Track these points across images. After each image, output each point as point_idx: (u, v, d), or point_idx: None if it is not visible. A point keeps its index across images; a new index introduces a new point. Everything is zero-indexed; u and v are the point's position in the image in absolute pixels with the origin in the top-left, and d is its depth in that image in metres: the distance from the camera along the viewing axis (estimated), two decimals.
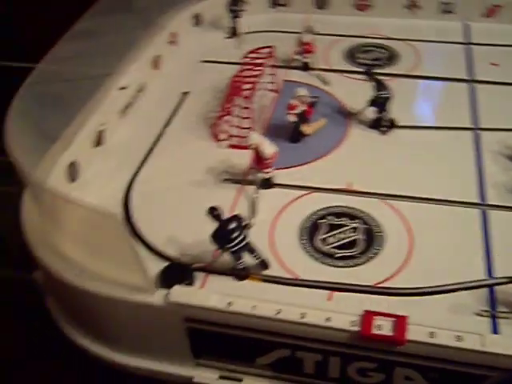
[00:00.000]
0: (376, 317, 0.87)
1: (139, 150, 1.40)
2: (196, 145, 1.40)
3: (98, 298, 0.96)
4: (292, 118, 1.33)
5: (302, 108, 1.35)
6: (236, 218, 1.01)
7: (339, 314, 0.89)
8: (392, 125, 1.39)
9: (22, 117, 1.09)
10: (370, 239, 1.12)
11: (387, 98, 1.36)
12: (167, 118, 1.51)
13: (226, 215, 1.01)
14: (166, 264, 1.05)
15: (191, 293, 0.92)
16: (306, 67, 1.65)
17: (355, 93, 1.53)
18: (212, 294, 0.90)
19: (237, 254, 1.01)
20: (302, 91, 1.31)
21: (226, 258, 1.03)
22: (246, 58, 1.48)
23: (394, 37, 1.81)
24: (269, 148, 1.18)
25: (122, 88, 1.51)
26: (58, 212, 1.00)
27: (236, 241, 0.99)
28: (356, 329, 0.87)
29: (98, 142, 1.38)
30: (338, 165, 1.32)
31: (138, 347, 1.04)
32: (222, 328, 0.93)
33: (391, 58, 1.72)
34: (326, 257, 1.09)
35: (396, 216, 1.17)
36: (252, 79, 1.38)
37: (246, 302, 0.89)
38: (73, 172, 1.26)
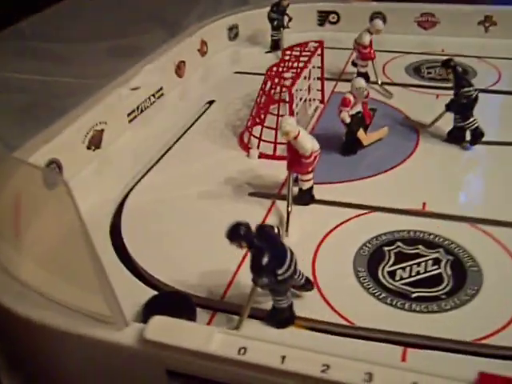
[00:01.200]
0: None
1: (145, 157, 1.09)
2: (217, 154, 1.09)
3: (45, 333, 0.61)
4: (345, 117, 1.01)
5: (358, 108, 1.02)
6: (272, 234, 0.68)
7: (425, 375, 0.51)
8: (481, 135, 1.04)
9: None
10: (462, 275, 0.75)
11: (473, 99, 1.02)
12: (185, 125, 1.21)
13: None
14: (154, 293, 0.71)
15: (182, 328, 0.56)
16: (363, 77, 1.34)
17: (422, 106, 1.23)
18: (216, 333, 0.54)
19: (282, 287, 0.67)
20: (360, 82, 0.99)
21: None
22: (286, 53, 1.17)
23: (465, 54, 1.50)
24: (309, 141, 0.85)
25: (134, 89, 1.23)
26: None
27: (282, 268, 0.65)
28: None
29: (95, 143, 1.08)
30: (406, 181, 0.98)
31: None
32: None
33: (465, 73, 1.40)
34: (397, 296, 0.73)
35: (494, 244, 0.81)
36: (290, 78, 1.07)
37: (271, 350, 0.53)
38: (50, 174, 0.95)
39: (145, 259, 0.82)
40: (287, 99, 1.02)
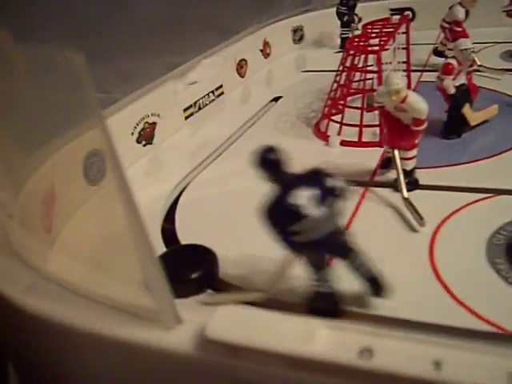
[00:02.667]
0: None
1: (202, 154, 0.93)
2: (290, 144, 0.89)
3: (68, 333, 0.43)
4: (449, 86, 0.81)
5: (462, 80, 0.83)
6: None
7: None
8: None
9: None
10: None
11: None
12: (249, 122, 1.04)
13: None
14: None
15: (262, 321, 0.36)
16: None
17: None
18: (319, 327, 0.35)
19: (318, 260, 0.48)
20: (465, 42, 0.80)
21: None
22: (367, 28, 1.00)
23: None
24: (421, 100, 0.66)
25: (192, 83, 1.08)
26: None
27: (296, 227, 0.45)
28: None
29: (146, 137, 0.92)
30: None
31: None
32: None
33: None
34: None
35: None
36: (377, 46, 0.88)
37: (413, 351, 0.32)
38: (89, 166, 0.79)
39: None
40: (374, 70, 0.84)
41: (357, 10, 1.47)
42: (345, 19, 1.39)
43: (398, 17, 1.00)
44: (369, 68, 0.88)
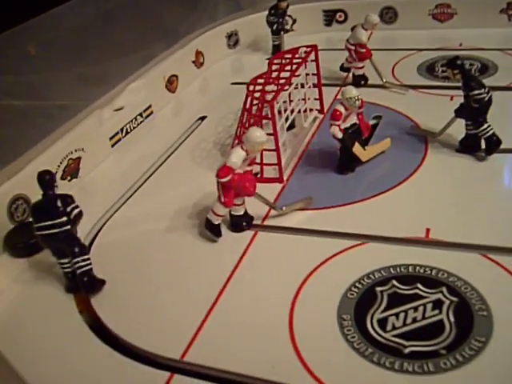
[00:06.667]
0: None
1: (125, 185, 1.00)
2: (199, 179, 0.98)
3: None
4: (336, 132, 0.89)
5: (353, 120, 0.91)
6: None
7: None
8: (497, 144, 0.91)
9: None
10: (467, 322, 0.63)
11: (486, 102, 0.89)
12: (173, 146, 1.12)
13: None
14: None
15: None
16: (360, 80, 1.22)
17: (434, 110, 1.10)
18: None
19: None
20: (350, 91, 0.87)
21: None
22: (274, 62, 1.06)
23: (486, 47, 1.35)
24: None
25: (118, 109, 1.15)
26: None
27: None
28: None
29: (70, 173, 1.00)
30: (409, 203, 0.86)
31: None
32: None
33: (484, 69, 1.26)
34: (387, 352, 0.61)
35: (510, 281, 0.68)
36: (273, 92, 0.95)
37: None
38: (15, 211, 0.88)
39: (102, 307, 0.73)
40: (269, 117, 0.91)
41: (291, 12, 1.52)
42: (274, 28, 1.44)
43: (305, 49, 1.06)
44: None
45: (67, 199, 0.72)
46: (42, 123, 1.04)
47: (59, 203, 0.71)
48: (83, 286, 0.73)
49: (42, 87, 1.15)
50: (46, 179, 0.72)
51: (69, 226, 0.71)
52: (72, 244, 0.73)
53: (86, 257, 0.73)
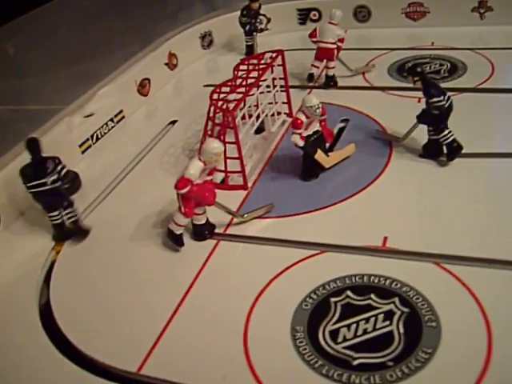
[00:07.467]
0: None
1: (93, 193, 1.01)
2: (164, 188, 0.98)
3: None
4: (297, 141, 0.90)
5: (315, 127, 0.92)
6: None
7: None
8: (458, 149, 0.92)
9: None
10: (416, 333, 0.65)
11: (446, 109, 0.90)
12: (142, 153, 1.12)
13: None
14: None
15: None
16: (329, 82, 1.24)
17: (401, 113, 1.10)
18: None
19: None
20: (311, 100, 0.88)
21: None
22: (239, 69, 1.06)
23: (457, 46, 1.36)
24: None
25: (88, 116, 1.15)
26: None
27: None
28: None
29: None
30: (370, 211, 0.87)
31: None
32: None
33: (454, 70, 1.27)
34: (336, 364, 0.62)
35: (462, 291, 0.70)
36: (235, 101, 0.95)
37: None
38: None
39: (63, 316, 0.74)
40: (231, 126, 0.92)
41: (266, 11, 1.52)
42: (247, 28, 1.44)
43: (270, 54, 1.07)
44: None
45: (55, 160, 0.83)
46: (9, 131, 1.04)
47: (48, 164, 0.82)
48: (73, 231, 0.87)
49: (11, 92, 1.15)
50: (33, 144, 0.83)
51: (59, 183, 0.82)
52: (62, 198, 0.85)
53: (74, 208, 0.86)
